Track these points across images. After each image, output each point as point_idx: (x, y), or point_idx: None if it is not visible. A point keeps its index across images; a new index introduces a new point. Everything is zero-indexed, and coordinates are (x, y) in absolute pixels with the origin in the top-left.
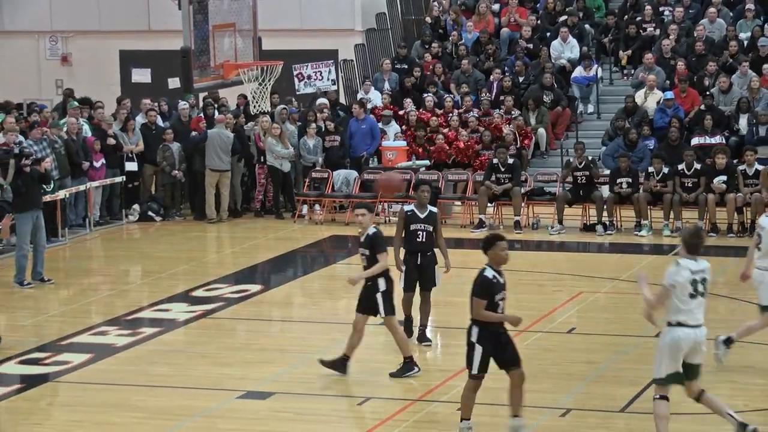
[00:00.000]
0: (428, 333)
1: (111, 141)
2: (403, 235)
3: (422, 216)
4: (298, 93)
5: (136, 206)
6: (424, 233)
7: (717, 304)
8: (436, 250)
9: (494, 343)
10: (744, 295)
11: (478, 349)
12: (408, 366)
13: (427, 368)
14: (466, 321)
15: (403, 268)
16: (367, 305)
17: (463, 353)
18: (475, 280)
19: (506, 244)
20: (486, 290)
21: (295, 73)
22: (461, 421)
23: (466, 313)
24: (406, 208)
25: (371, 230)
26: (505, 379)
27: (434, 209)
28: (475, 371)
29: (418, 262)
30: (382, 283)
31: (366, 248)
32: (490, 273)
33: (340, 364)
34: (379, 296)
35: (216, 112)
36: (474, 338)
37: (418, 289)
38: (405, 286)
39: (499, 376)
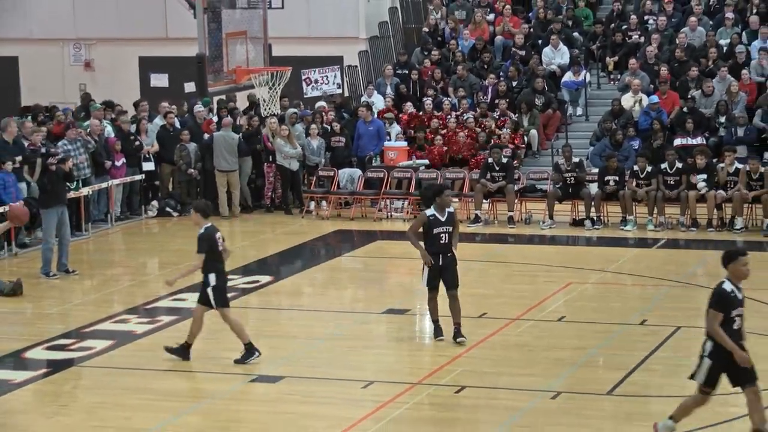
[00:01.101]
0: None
1: (136, 142)
2: (426, 238)
3: (444, 219)
4: (305, 96)
5: (154, 202)
6: (447, 234)
7: (697, 294)
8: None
9: (729, 360)
10: None
11: (706, 362)
12: (249, 352)
13: (428, 353)
14: (467, 312)
15: (432, 262)
16: (202, 298)
17: (461, 343)
18: (713, 292)
19: (748, 260)
20: (722, 303)
21: (303, 77)
22: (668, 419)
23: (465, 304)
24: (428, 212)
25: (200, 230)
26: (504, 366)
27: (451, 209)
28: (701, 381)
29: (441, 263)
30: (212, 279)
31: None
32: (728, 286)
33: (183, 351)
34: (209, 290)
35: (229, 115)
36: (706, 353)
37: (443, 289)
38: (429, 286)
39: (495, 363)
